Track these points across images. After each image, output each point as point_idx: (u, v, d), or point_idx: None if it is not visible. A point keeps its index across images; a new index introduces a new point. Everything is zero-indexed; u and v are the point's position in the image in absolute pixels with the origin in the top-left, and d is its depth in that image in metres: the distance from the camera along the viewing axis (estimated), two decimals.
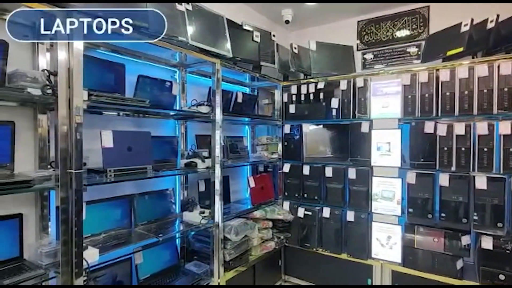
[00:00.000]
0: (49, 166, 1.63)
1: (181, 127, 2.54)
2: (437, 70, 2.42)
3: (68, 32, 1.45)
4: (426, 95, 2.46)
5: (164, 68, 2.41)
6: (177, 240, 2.43)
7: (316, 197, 2.94)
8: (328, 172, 2.87)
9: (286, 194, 3.15)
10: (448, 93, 2.36)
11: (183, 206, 2.44)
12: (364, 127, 2.70)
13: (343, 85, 2.85)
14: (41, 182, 1.45)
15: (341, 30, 3.61)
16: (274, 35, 3.07)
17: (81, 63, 1.47)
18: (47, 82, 1.42)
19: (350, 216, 2.74)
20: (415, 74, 2.51)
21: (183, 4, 2.10)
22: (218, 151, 2.34)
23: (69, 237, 1.45)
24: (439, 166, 2.38)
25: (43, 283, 1.61)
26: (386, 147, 2.61)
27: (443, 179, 2.33)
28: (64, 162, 1.44)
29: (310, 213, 2.95)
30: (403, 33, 3.29)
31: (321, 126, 3.07)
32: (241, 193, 3.25)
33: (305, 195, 3.00)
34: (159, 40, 1.87)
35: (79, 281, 1.47)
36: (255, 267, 2.71)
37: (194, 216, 2.26)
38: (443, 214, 2.34)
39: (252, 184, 2.86)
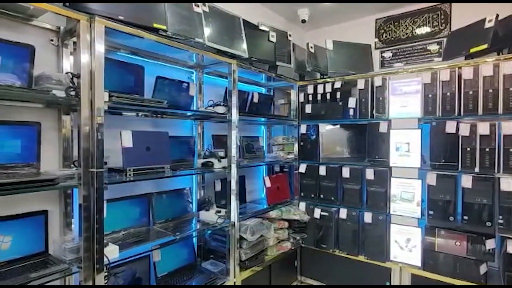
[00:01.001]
0: (72, 165, 1.70)
1: (198, 127, 2.58)
2: (460, 68, 2.34)
3: (90, 35, 1.50)
4: (448, 93, 2.38)
5: (181, 69, 2.45)
6: (194, 238, 2.47)
7: (332, 198, 2.90)
8: (345, 172, 2.83)
9: (302, 194, 3.13)
10: (471, 92, 2.28)
11: (200, 205, 2.47)
12: (383, 127, 2.65)
13: (360, 84, 2.80)
14: (65, 180, 1.51)
15: (358, 29, 3.55)
16: (290, 35, 3.06)
17: (102, 65, 1.52)
18: (71, 84, 1.48)
19: (368, 217, 2.70)
20: (436, 72, 2.44)
21: (200, 5, 2.13)
22: (234, 151, 2.36)
23: (91, 234, 1.50)
24: (461, 167, 2.30)
25: (67, 278, 1.67)
26: (405, 148, 2.55)
27: (466, 181, 2.25)
28: (86, 161, 1.49)
29: (326, 214, 2.92)
30: (423, 30, 3.20)
31: (338, 126, 3.04)
32: (257, 193, 3.26)
33: (322, 196, 2.98)
34: (176, 41, 1.91)
35: (100, 277, 1.52)
36: (271, 267, 2.71)
37: (210, 215, 2.29)
38: (465, 217, 2.26)
39: (268, 184, 2.86)
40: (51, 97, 1.46)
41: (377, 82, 2.72)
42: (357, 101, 2.82)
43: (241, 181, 2.79)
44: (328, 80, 3.03)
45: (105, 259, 1.53)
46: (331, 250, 2.88)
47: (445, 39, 3.02)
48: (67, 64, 1.73)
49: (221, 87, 2.65)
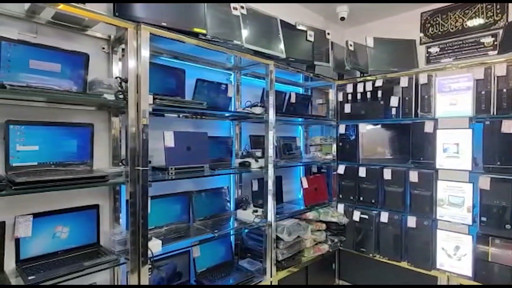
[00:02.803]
0: (120, 163, 1.82)
1: (235, 128, 2.63)
2: None
3: (137, 42, 1.60)
4: (504, 90, 2.18)
5: (220, 71, 2.51)
6: (231, 237, 2.52)
7: (373, 201, 2.80)
8: (387, 174, 2.71)
9: (341, 196, 3.05)
10: None
11: (237, 204, 2.52)
12: (428, 127, 2.50)
13: (403, 82, 2.67)
14: (114, 177, 1.63)
15: (401, 24, 3.38)
16: (328, 33, 3.01)
17: (147, 70, 1.62)
18: (119, 88, 1.59)
19: (411, 222, 2.56)
20: (490, 67, 2.25)
21: (238, 8, 2.18)
22: (271, 151, 2.37)
23: (136, 228, 1.60)
24: None
25: (115, 268, 1.80)
26: (454, 149, 2.38)
27: None
28: (133, 160, 1.60)
29: (366, 217, 2.82)
30: (475, 22, 2.96)
31: (379, 126, 2.92)
32: (294, 193, 3.24)
33: (361, 198, 2.88)
34: (215, 44, 1.97)
35: (145, 269, 1.61)
36: (308, 269, 2.68)
37: (247, 215, 2.33)
38: None
39: (305, 185, 2.83)
40: (102, 100, 1.59)
41: (422, 79, 2.57)
42: (399, 100, 2.69)
43: (278, 181, 2.80)
44: (369, 78, 2.93)
45: (149, 252, 1.63)
46: (371, 255, 2.78)
47: (501, 31, 2.77)
48: (116, 69, 1.86)
49: (258, 88, 2.68)
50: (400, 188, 2.65)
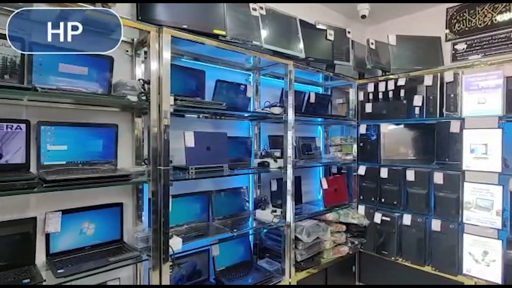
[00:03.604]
0: (143, 163, 1.87)
1: (254, 128, 2.64)
2: None
3: (159, 44, 1.64)
4: None
5: (239, 72, 2.53)
6: (250, 236, 2.53)
7: (395, 202, 2.73)
8: (410, 175, 2.63)
9: (361, 197, 3.00)
10: None
11: (256, 204, 2.53)
12: (454, 127, 2.41)
13: (428, 80, 2.58)
14: (137, 176, 1.68)
15: (425, 20, 3.27)
16: (349, 32, 2.96)
17: (168, 71, 1.66)
18: (142, 90, 1.64)
19: (436, 225, 2.47)
20: None
21: (257, 9, 2.18)
22: (290, 152, 2.36)
23: (158, 226, 1.64)
24: None
25: (137, 264, 1.86)
26: (482, 149, 2.28)
27: None
28: (155, 160, 1.64)
29: (388, 219, 2.75)
30: (506, 16, 2.81)
31: (401, 126, 2.84)
32: (313, 194, 3.21)
33: (383, 200, 2.81)
34: (234, 45, 1.99)
35: (166, 266, 1.65)
36: (327, 271, 2.65)
37: (266, 215, 2.33)
38: None
39: (325, 186, 2.80)
40: (126, 101, 1.64)
41: (448, 77, 2.48)
42: (423, 99, 2.61)
43: (297, 181, 2.78)
44: (391, 77, 2.86)
45: (170, 250, 1.67)
46: (393, 258, 2.71)
47: None
48: (139, 71, 1.91)
49: (277, 88, 2.68)
50: (424, 190, 2.56)
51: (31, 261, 1.51)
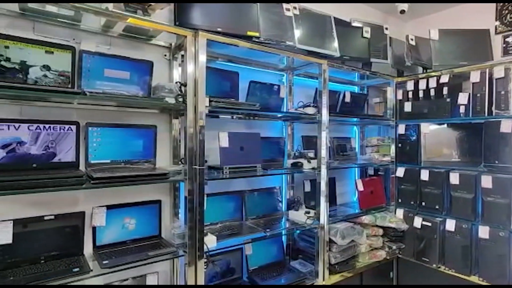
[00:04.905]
0: (180, 162, 1.95)
1: (288, 128, 2.63)
2: None
3: (195, 48, 1.70)
4: None
5: (272, 72, 2.54)
6: (283, 237, 2.53)
7: (437, 207, 2.57)
8: (454, 178, 2.47)
9: (400, 200, 2.87)
10: None
11: (289, 205, 2.52)
12: (505, 126, 2.22)
13: (474, 76, 2.41)
14: (174, 175, 1.75)
15: (471, 12, 3.05)
16: (386, 28, 2.85)
17: (204, 74, 1.71)
18: (179, 92, 1.71)
19: (484, 232, 2.30)
20: None
21: (291, 9, 2.18)
22: (324, 152, 2.33)
23: (194, 223, 1.70)
24: None
25: (174, 259, 1.94)
26: None
27: None
28: (191, 159, 1.71)
29: (429, 224, 2.60)
30: None
31: (444, 125, 2.68)
32: (348, 196, 3.13)
33: (423, 203, 2.67)
34: (268, 46, 2.01)
35: (201, 263, 1.70)
36: (363, 275, 2.57)
37: (299, 216, 2.31)
38: None
39: (361, 188, 2.72)
40: (164, 103, 1.72)
41: (498, 73, 2.29)
42: (469, 97, 2.44)
43: (331, 183, 2.73)
44: (433, 74, 2.70)
45: (205, 247, 1.72)
46: (434, 265, 2.56)
47: None
48: (176, 74, 2.00)
49: (311, 88, 2.65)
50: (470, 194, 2.40)
51: (80, 251, 1.64)
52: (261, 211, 2.36)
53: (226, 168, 1.91)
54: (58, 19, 1.61)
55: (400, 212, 2.82)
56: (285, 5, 2.17)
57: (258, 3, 2.03)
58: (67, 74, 1.58)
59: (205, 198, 1.74)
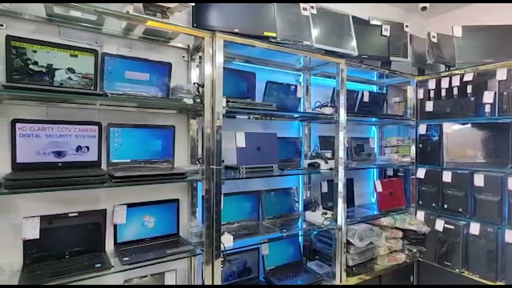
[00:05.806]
0: (197, 162, 1.98)
1: (305, 128, 2.61)
2: None
3: (212, 49, 1.73)
4: None
5: (289, 72, 2.53)
6: (299, 237, 2.51)
7: (460, 209, 2.49)
8: (478, 180, 2.38)
9: (420, 202, 2.79)
10: None
11: (306, 205, 2.50)
12: None
13: (501, 74, 2.31)
14: (192, 174, 1.78)
15: (497, 8, 2.93)
16: (407, 26, 2.78)
17: (221, 74, 1.73)
18: (197, 93, 1.74)
19: (510, 236, 2.20)
20: None
21: (308, 8, 2.17)
22: (341, 153, 2.30)
23: (211, 222, 1.72)
24: None
25: (192, 258, 1.96)
26: None
27: None
28: (208, 159, 1.73)
29: (451, 227, 2.52)
30: None
31: (468, 125, 2.58)
32: (367, 197, 3.08)
33: (445, 206, 2.59)
34: (285, 47, 2.00)
35: (218, 261, 1.72)
36: (381, 278, 2.51)
37: (316, 216, 2.29)
38: None
39: (379, 189, 2.66)
40: (182, 104, 1.75)
41: None
42: (495, 95, 2.34)
43: (349, 183, 2.69)
44: (456, 72, 2.61)
45: (222, 246, 1.73)
46: (457, 270, 2.47)
47: None
48: (194, 75, 2.02)
49: (328, 88, 2.62)
50: (496, 196, 2.30)
51: (102, 248, 1.70)
52: (277, 211, 2.36)
53: (242, 168, 1.92)
54: (82, 24, 1.67)
55: (421, 215, 2.75)
56: (302, 5, 2.15)
57: (275, 3, 2.03)
58: (90, 76, 1.64)
59: (222, 197, 1.75)
